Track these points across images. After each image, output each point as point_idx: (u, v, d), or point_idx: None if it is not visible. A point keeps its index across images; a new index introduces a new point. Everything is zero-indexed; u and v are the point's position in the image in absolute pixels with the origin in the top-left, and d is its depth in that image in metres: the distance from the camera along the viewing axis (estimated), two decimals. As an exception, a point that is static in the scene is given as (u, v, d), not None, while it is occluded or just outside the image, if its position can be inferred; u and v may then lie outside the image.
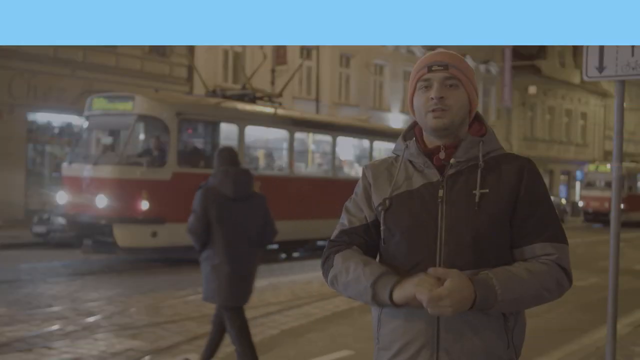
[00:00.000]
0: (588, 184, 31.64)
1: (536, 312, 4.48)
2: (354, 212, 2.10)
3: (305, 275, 11.88)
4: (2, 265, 11.76)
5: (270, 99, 15.75)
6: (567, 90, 42.10)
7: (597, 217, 29.70)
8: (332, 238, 2.12)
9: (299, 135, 15.57)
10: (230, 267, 4.96)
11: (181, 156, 12.56)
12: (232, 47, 23.61)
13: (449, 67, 2.00)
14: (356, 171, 17.15)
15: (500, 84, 35.91)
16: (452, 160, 2.00)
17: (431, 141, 2.06)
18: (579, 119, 44.00)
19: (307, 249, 15.72)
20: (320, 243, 15.86)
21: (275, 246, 15.32)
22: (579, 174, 40.35)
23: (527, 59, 37.90)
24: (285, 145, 15.22)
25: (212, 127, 13.49)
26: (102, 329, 7.25)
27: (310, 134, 16.35)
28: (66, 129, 19.55)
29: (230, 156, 5.16)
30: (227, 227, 4.95)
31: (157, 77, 20.59)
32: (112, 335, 7.01)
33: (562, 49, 41.71)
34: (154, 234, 12.07)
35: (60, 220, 13.54)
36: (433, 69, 2.00)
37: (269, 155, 15.43)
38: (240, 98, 14.93)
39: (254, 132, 14.55)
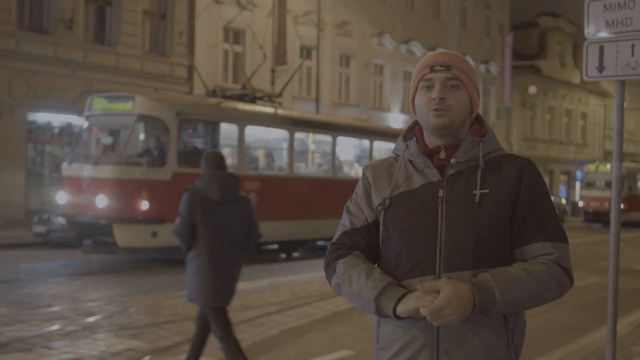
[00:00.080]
0: (588, 184, 31.64)
1: (536, 312, 4.48)
2: (355, 212, 2.10)
3: (305, 275, 11.88)
4: (2, 265, 11.76)
5: (270, 99, 15.75)
6: (567, 90, 42.11)
7: (597, 217, 29.70)
8: (333, 240, 2.11)
9: (299, 135, 15.57)
10: (214, 269, 5.03)
11: (181, 156, 12.56)
12: (232, 47, 23.62)
13: (451, 68, 2.00)
14: (356, 171, 17.15)
15: (500, 84, 35.91)
16: (452, 160, 2.00)
17: (431, 141, 2.06)
18: (579, 119, 44.00)
19: (307, 249, 15.72)
20: (320, 243, 15.86)
21: (275, 246, 15.33)
22: (579, 174, 40.36)
23: (527, 59, 37.92)
24: (285, 145, 15.22)
25: (212, 127, 13.50)
26: (102, 329, 7.25)
27: (310, 134, 16.35)
28: (66, 129, 19.54)
29: (217, 160, 5.29)
30: (212, 229, 5.03)
31: (157, 77, 20.58)
32: (112, 335, 7.01)
33: (562, 49, 41.71)
34: (154, 234, 12.06)
35: (60, 220, 13.54)
36: (435, 69, 2.00)
37: (269, 155, 15.43)
38: (240, 98, 14.93)
39: (254, 132, 14.55)
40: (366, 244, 2.06)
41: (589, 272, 12.60)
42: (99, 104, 12.99)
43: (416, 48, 30.47)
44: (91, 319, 7.67)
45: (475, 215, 1.94)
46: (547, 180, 37.04)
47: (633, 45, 4.73)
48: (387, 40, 29.15)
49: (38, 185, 19.00)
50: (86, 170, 12.33)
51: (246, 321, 7.79)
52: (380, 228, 2.03)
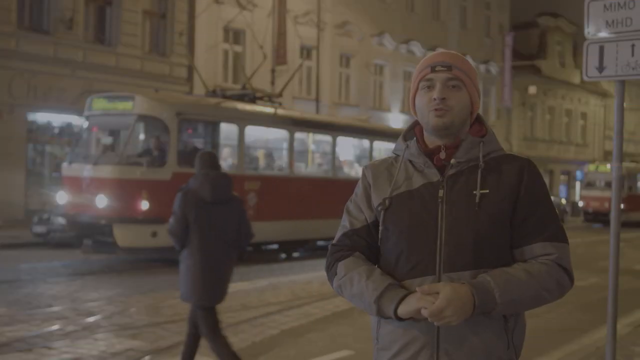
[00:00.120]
0: (588, 184, 31.65)
1: (536, 312, 4.48)
2: (355, 213, 2.10)
3: (305, 275, 11.88)
4: (2, 265, 11.76)
5: (270, 99, 15.75)
6: (567, 90, 42.10)
7: (597, 217, 29.70)
8: (334, 242, 2.11)
9: (299, 135, 15.57)
10: (206, 268, 5.08)
11: (181, 156, 12.55)
12: (232, 47, 23.63)
13: (452, 68, 2.00)
14: (356, 171, 17.14)
15: (500, 84, 35.91)
16: (452, 161, 2.00)
17: (432, 141, 2.06)
18: (579, 119, 44.00)
19: (307, 249, 15.72)
20: (320, 243, 15.86)
21: (275, 246, 15.34)
22: (579, 174, 40.36)
23: (527, 59, 37.92)
24: (285, 145, 15.22)
25: (212, 127, 13.50)
26: (102, 329, 7.25)
27: (310, 134, 16.35)
28: (66, 129, 19.54)
29: (211, 160, 5.28)
30: (205, 229, 5.07)
31: (157, 77, 20.58)
32: (112, 335, 7.01)
33: (562, 49, 41.71)
34: (154, 234, 12.06)
35: (60, 220, 13.54)
36: (436, 69, 2.00)
37: (269, 155, 15.43)
38: (240, 98, 14.93)
39: (254, 132, 14.55)
40: (366, 245, 2.06)
41: (589, 272, 12.60)
42: (99, 104, 12.99)
43: (416, 48, 30.46)
44: (91, 319, 7.67)
45: (475, 215, 1.94)
46: (547, 180, 37.04)
47: (633, 45, 4.73)
48: (387, 40, 29.15)
49: (38, 185, 19.00)
50: (86, 170, 12.33)
51: (246, 321, 7.80)
52: (380, 228, 2.03)
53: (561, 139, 41.97)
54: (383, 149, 17.53)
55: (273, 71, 22.56)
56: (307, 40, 25.11)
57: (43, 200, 18.24)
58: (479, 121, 2.10)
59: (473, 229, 1.93)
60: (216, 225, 5.12)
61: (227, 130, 13.70)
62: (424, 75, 2.03)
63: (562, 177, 41.95)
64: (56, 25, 18.62)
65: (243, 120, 13.94)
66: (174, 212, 5.10)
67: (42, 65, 18.20)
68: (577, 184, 40.59)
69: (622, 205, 5.27)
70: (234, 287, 10.28)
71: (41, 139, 19.36)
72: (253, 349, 6.65)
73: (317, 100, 25.53)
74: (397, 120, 29.14)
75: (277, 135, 15.32)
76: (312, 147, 16.77)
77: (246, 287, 10.49)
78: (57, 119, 19.42)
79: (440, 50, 2.10)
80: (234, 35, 23.70)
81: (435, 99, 1.98)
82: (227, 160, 13.86)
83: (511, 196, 1.97)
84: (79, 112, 15.72)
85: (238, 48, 23.78)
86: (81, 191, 12.30)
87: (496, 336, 1.94)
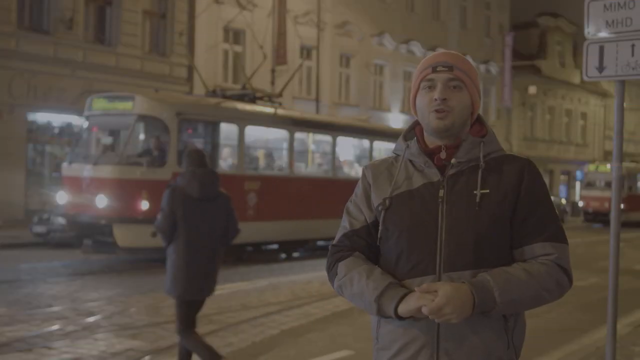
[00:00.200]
0: (588, 184, 31.65)
1: (536, 312, 4.48)
2: (355, 214, 2.10)
3: (305, 275, 11.88)
4: (2, 265, 11.76)
5: (270, 99, 15.75)
6: (567, 90, 42.10)
7: (597, 217, 29.70)
8: (334, 242, 2.11)
9: (299, 135, 15.57)
10: (191, 263, 5.17)
11: (181, 156, 12.52)
12: (232, 47, 23.63)
13: (453, 69, 2.00)
14: (356, 171, 17.14)
15: (500, 84, 35.91)
16: (453, 160, 2.00)
17: (432, 141, 2.06)
18: (579, 119, 44.00)
19: (307, 249, 15.73)
20: (320, 243, 15.87)
21: (275, 246, 15.34)
22: (579, 174, 40.35)
23: (527, 59, 37.92)
24: (285, 145, 15.22)
25: (212, 127, 13.49)
26: (102, 329, 7.25)
27: (310, 134, 16.35)
28: (66, 129, 19.54)
29: (198, 157, 5.35)
30: (192, 225, 5.16)
31: (157, 77, 20.58)
32: (112, 335, 7.01)
33: (562, 49, 41.72)
34: (154, 234, 12.03)
35: (60, 220, 13.54)
36: (437, 69, 2.00)
37: (269, 155, 15.43)
38: (240, 98, 14.93)
39: (254, 132, 14.55)
40: (366, 245, 2.06)
41: (589, 272, 12.60)
42: (99, 104, 12.99)
43: (416, 48, 30.46)
44: (91, 319, 7.68)
45: (475, 215, 1.94)
46: (547, 180, 37.02)
47: (633, 45, 4.73)
48: (387, 40, 29.15)
49: (38, 185, 18.99)
50: (86, 170, 12.33)
51: (246, 321, 7.80)
52: (380, 228, 2.03)
53: (561, 139, 41.97)
54: (383, 149, 17.53)
55: (273, 71, 22.56)
56: (307, 40, 25.11)
57: (43, 200, 18.24)
58: (479, 121, 2.10)
59: (473, 228, 1.93)
60: (204, 221, 5.20)
61: (227, 130, 13.70)
62: (425, 76, 2.03)
63: (562, 177, 41.96)
64: (56, 25, 18.62)
65: (243, 120, 13.94)
66: (162, 208, 5.19)
67: (42, 65, 18.20)
68: (577, 184, 40.59)
69: (622, 205, 5.27)
70: (234, 287, 10.36)
71: (41, 139, 19.36)
72: (253, 349, 6.66)
73: (317, 100, 25.53)
74: (397, 120, 29.14)
75: (277, 135, 15.32)
76: (312, 147, 16.77)
77: (246, 287, 10.49)
78: (57, 119, 19.42)
79: (441, 50, 2.10)
80: (234, 35, 23.70)
81: (436, 100, 1.98)
82: (227, 160, 13.86)
83: (511, 196, 1.98)
84: (79, 112, 15.72)
85: (238, 48, 23.78)
86: (81, 191, 12.30)
87: (496, 336, 1.94)
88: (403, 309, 1.88)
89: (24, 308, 8.21)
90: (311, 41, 25.54)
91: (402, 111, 29.74)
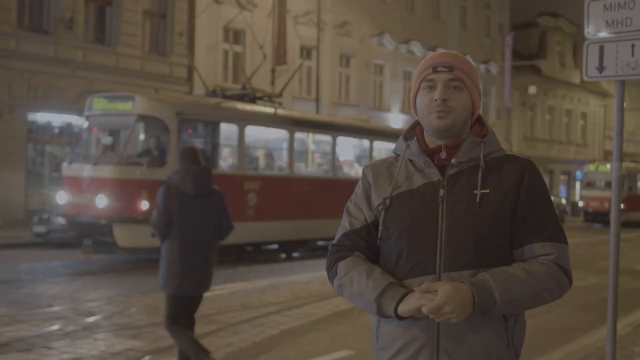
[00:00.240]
0: (588, 184, 31.64)
1: (536, 312, 4.48)
2: (355, 213, 2.10)
3: (305, 275, 11.88)
4: (2, 265, 11.76)
5: (270, 99, 15.75)
6: (567, 90, 42.10)
7: (597, 217, 29.70)
8: (334, 242, 2.11)
9: (299, 135, 15.57)
10: (185, 260, 5.24)
11: (181, 156, 12.51)
12: (232, 47, 23.63)
13: (454, 69, 2.00)
14: (356, 171, 17.14)
15: (500, 84, 35.91)
16: (453, 160, 2.00)
17: (432, 141, 2.06)
18: (579, 119, 44.00)
19: (307, 249, 15.73)
20: (320, 243, 15.87)
21: (275, 246, 15.34)
22: (579, 174, 40.35)
23: (527, 59, 37.92)
24: (285, 145, 15.22)
25: (212, 127, 13.49)
26: (102, 329, 7.25)
27: (310, 134, 16.35)
28: (66, 129, 19.54)
29: (192, 155, 5.46)
30: (187, 222, 5.24)
31: (157, 77, 20.58)
32: (112, 335, 7.01)
33: (562, 49, 41.72)
34: (154, 234, 12.04)
35: (60, 220, 13.54)
36: (438, 69, 2.00)
37: (269, 155, 15.43)
38: (240, 98, 14.93)
39: (254, 132, 14.54)
40: (366, 245, 2.06)
41: (589, 272, 12.60)
42: (99, 104, 12.98)
43: (416, 48, 30.46)
44: (91, 319, 7.68)
45: (475, 215, 1.94)
46: (547, 180, 37.01)
47: (633, 45, 4.73)
48: (387, 40, 29.15)
49: (38, 185, 19.00)
50: (86, 170, 12.33)
51: (246, 321, 7.80)
52: (380, 227, 2.03)
53: (561, 139, 41.97)
54: (383, 149, 17.53)
55: (273, 71, 22.55)
56: (307, 40, 25.11)
57: (43, 200, 18.24)
58: (479, 121, 2.10)
59: (473, 228, 1.94)
60: (198, 218, 5.28)
61: (227, 130, 13.70)
62: (425, 76, 2.03)
63: (562, 177, 41.96)
64: (56, 25, 18.62)
65: (243, 120, 13.94)
66: (157, 205, 5.26)
67: (42, 65, 18.20)
68: (577, 184, 40.59)
69: (622, 205, 5.27)
70: (234, 287, 10.36)
71: (41, 139, 19.36)
72: (253, 349, 6.66)
73: (317, 100, 25.53)
74: (397, 120, 29.14)
75: (277, 135, 15.32)
76: (312, 147, 16.77)
77: (246, 287, 10.50)
78: (57, 119, 19.42)
79: (441, 50, 2.10)
80: (234, 35, 23.70)
81: (436, 100, 1.98)
82: (227, 160, 13.86)
83: (511, 196, 1.98)
84: (79, 112, 15.72)
85: (238, 48, 23.78)
86: (81, 191, 12.30)
87: (496, 336, 1.94)
88: (403, 308, 1.88)
89: (24, 308, 8.21)
90: (311, 41, 25.54)
91: (402, 111, 29.74)
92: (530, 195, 1.99)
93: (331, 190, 15.60)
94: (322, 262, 2.16)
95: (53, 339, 6.76)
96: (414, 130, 2.12)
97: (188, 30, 21.34)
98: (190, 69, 20.90)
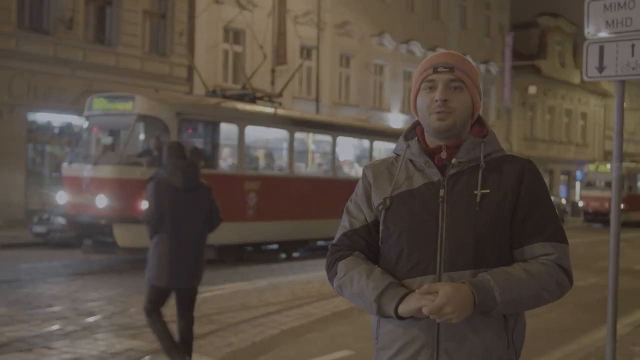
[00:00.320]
0: (588, 184, 31.64)
1: (536, 312, 4.48)
2: (355, 213, 2.10)
3: (305, 275, 11.88)
4: (2, 265, 11.76)
5: (270, 99, 15.75)
6: (567, 90, 42.10)
7: (597, 217, 29.70)
8: (334, 242, 2.12)
9: (299, 135, 15.57)
10: (177, 253, 5.34)
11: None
12: (232, 47, 23.63)
13: (454, 69, 2.00)
14: (356, 171, 17.14)
15: (500, 84, 35.91)
16: (453, 160, 2.00)
17: (433, 141, 2.06)
18: (579, 119, 44.00)
19: (307, 249, 15.72)
20: (320, 243, 15.86)
21: (275, 246, 15.34)
22: (579, 174, 40.35)
23: (527, 59, 37.92)
24: (285, 145, 15.22)
25: (212, 127, 13.49)
26: (102, 329, 7.25)
27: (310, 134, 16.35)
28: (66, 129, 19.54)
29: (179, 149, 5.55)
30: (178, 215, 5.34)
31: (157, 77, 20.58)
32: (112, 335, 7.02)
33: (562, 49, 41.72)
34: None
35: (60, 220, 13.54)
36: (439, 70, 2.01)
37: (269, 155, 15.43)
38: (240, 98, 14.93)
39: (254, 132, 14.54)
40: (366, 245, 2.06)
41: (589, 272, 12.60)
42: (99, 104, 12.98)
43: (416, 48, 30.46)
44: (91, 319, 7.68)
45: (475, 215, 1.94)
46: (547, 180, 37.00)
47: (633, 45, 4.73)
48: (387, 40, 29.15)
49: (38, 185, 19.00)
50: (86, 170, 12.33)
51: (246, 321, 7.80)
52: (381, 227, 2.04)
53: (561, 139, 41.97)
54: (383, 149, 17.53)
55: (273, 71, 22.55)
56: (307, 40, 25.11)
57: (43, 200, 18.23)
58: (479, 122, 2.10)
59: (473, 228, 1.94)
60: (188, 211, 5.38)
61: (227, 130, 13.70)
62: (425, 76, 2.03)
63: (562, 177, 41.96)
64: (56, 25, 18.62)
65: (243, 120, 13.93)
66: (148, 200, 5.37)
67: (42, 65, 18.20)
68: (577, 184, 40.59)
69: (622, 205, 5.27)
70: (234, 287, 10.36)
71: (41, 139, 19.36)
72: (253, 349, 6.66)
73: (317, 100, 25.53)
74: (397, 120, 29.14)
75: (277, 135, 15.31)
76: (312, 147, 16.77)
77: (246, 287, 10.49)
78: (57, 119, 19.42)
79: (441, 50, 2.10)
80: (234, 35, 23.70)
81: (437, 101, 1.98)
82: (227, 160, 13.86)
83: (512, 196, 1.98)
84: (79, 112, 15.72)
85: (238, 48, 23.78)
86: (81, 191, 12.30)
87: (496, 336, 1.94)
88: (403, 309, 1.88)
89: (24, 308, 8.21)
90: (311, 41, 25.54)
91: (402, 111, 29.74)
92: (530, 195, 1.99)
93: (331, 190, 15.60)
94: (322, 262, 2.16)
95: (53, 339, 6.76)
96: (415, 131, 2.12)
97: (188, 30, 21.34)
98: (190, 69, 20.90)
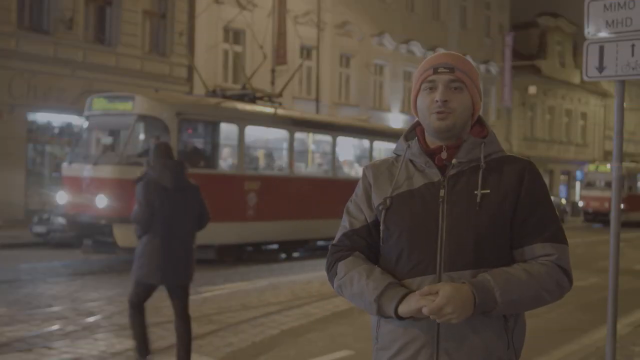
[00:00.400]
0: (588, 184, 31.65)
1: (536, 312, 4.48)
2: (355, 213, 2.10)
3: (305, 275, 11.88)
4: (2, 265, 11.76)
5: (270, 99, 15.75)
6: (567, 90, 42.11)
7: (597, 217, 29.70)
8: (334, 242, 2.12)
9: (299, 135, 15.57)
10: (167, 251, 5.39)
11: (181, 156, 12.52)
12: (232, 47, 23.63)
13: (454, 70, 2.00)
14: (356, 171, 17.15)
15: (500, 84, 35.91)
16: (453, 161, 2.00)
17: (433, 141, 2.06)
18: (579, 119, 44.00)
19: (307, 249, 15.72)
20: (320, 243, 15.86)
21: (275, 246, 15.34)
22: (579, 174, 40.36)
23: (527, 59, 37.92)
24: (285, 145, 15.22)
25: (212, 127, 13.49)
26: (102, 329, 7.25)
27: (310, 134, 16.35)
28: (66, 129, 19.54)
29: (167, 150, 5.65)
30: (167, 215, 5.40)
31: (157, 77, 20.58)
32: (112, 335, 7.01)
33: (562, 49, 41.72)
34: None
35: (60, 220, 13.54)
36: (439, 70, 2.01)
37: (269, 155, 15.43)
38: (240, 98, 14.92)
39: (254, 132, 14.54)
40: (366, 245, 2.06)
41: (589, 272, 12.60)
42: (99, 104, 12.98)
43: (416, 48, 30.46)
44: (91, 319, 7.67)
45: (476, 215, 1.95)
46: (547, 180, 37.00)
47: (633, 45, 4.74)
48: (387, 40, 29.15)
49: (38, 185, 19.00)
50: (86, 170, 12.33)
51: (246, 321, 7.80)
52: (381, 228, 2.04)
53: (561, 139, 41.97)
54: (383, 149, 17.53)
55: (273, 71, 22.55)
56: (307, 40, 25.12)
57: (43, 200, 18.24)
58: (480, 122, 2.10)
59: (474, 228, 1.94)
60: (178, 210, 5.44)
61: (227, 130, 13.70)
62: (426, 77, 2.03)
63: (562, 177, 41.96)
64: (56, 25, 18.62)
65: (243, 120, 13.93)
66: (138, 200, 5.39)
67: (42, 65, 18.20)
68: (577, 184, 40.60)
69: (622, 205, 5.27)
70: (234, 287, 10.36)
71: (41, 139, 19.36)
72: (253, 349, 6.66)
73: (317, 100, 25.53)
74: (397, 120, 29.15)
75: (277, 135, 15.32)
76: (312, 147, 16.77)
77: (246, 287, 10.49)
78: (57, 119, 19.42)
79: (442, 51, 2.11)
80: (234, 35, 23.70)
81: (437, 101, 1.99)
82: (227, 160, 13.86)
83: (512, 197, 1.98)
84: (79, 112, 15.72)
85: (238, 48, 23.78)
86: (81, 191, 12.30)
87: (496, 336, 1.94)
88: (403, 309, 1.88)
89: (24, 308, 8.21)
90: (311, 41, 25.54)
91: (402, 111, 29.74)
92: (530, 195, 1.99)
93: (331, 190, 15.60)
94: (322, 262, 2.16)
95: (53, 339, 6.76)
96: (415, 131, 2.13)
97: (188, 30, 21.34)
98: (190, 69, 20.90)
